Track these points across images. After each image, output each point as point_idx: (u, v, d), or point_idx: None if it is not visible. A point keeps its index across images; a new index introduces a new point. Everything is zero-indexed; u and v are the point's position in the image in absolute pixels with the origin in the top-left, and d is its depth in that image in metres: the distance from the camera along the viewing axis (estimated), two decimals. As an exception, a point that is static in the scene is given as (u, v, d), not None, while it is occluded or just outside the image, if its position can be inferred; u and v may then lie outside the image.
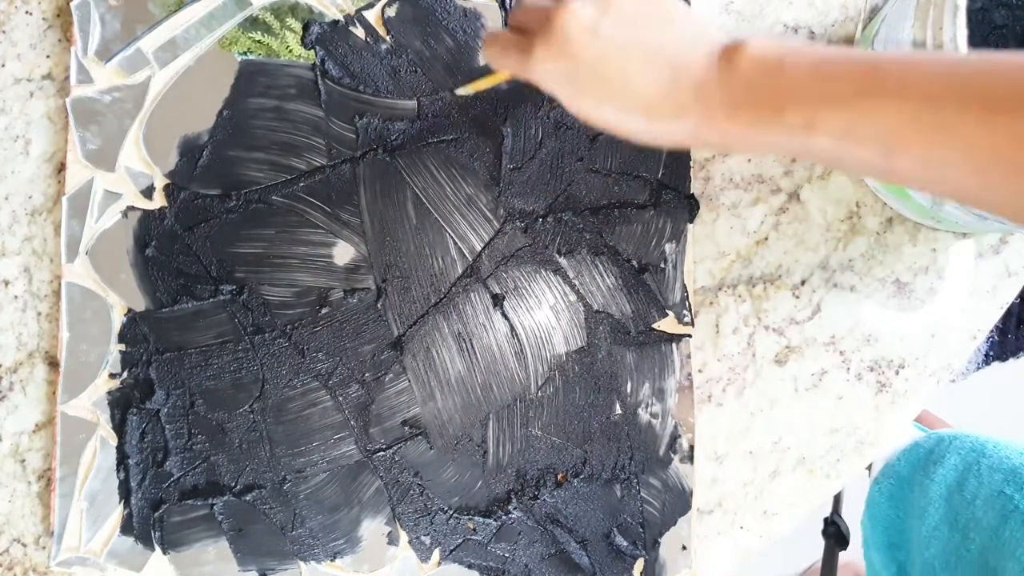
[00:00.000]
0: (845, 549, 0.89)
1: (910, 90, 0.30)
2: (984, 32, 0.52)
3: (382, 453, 0.55)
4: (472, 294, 0.55)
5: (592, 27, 0.36)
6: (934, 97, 0.30)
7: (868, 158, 0.32)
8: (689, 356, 0.55)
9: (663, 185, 0.55)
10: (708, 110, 0.36)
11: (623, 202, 0.55)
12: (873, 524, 0.73)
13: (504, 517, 0.55)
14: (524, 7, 0.41)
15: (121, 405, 0.55)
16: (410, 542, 0.55)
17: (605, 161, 0.55)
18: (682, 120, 0.36)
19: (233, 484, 0.55)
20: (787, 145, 0.34)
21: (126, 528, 0.55)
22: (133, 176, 0.55)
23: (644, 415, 0.55)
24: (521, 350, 0.55)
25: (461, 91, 0.50)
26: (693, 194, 0.55)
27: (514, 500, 0.55)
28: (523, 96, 0.54)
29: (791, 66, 0.34)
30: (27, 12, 0.56)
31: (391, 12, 0.55)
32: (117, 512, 0.55)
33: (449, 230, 0.55)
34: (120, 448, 0.55)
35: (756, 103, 0.34)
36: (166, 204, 0.54)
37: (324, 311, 0.54)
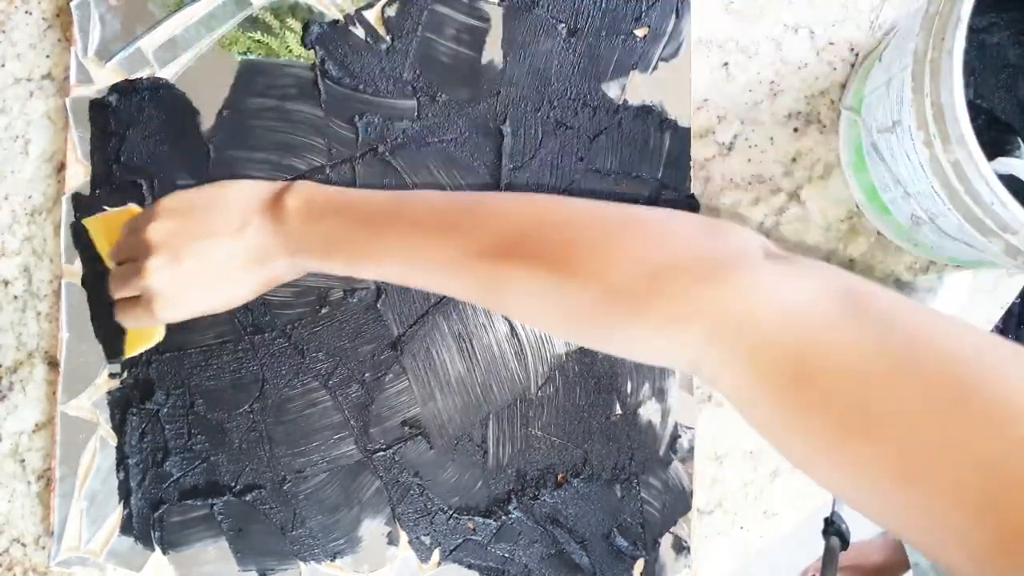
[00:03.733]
0: (845, 549, 0.89)
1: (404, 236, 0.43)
2: (996, 68, 0.52)
3: (382, 453, 0.55)
4: (472, 294, 0.55)
5: (170, 265, 0.46)
6: (417, 233, 0.42)
7: (391, 277, 0.44)
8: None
9: (663, 185, 0.55)
10: (283, 257, 0.46)
11: (623, 202, 0.55)
12: None
13: (504, 517, 0.55)
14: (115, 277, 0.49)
15: (121, 405, 0.55)
16: (410, 542, 0.55)
17: (605, 161, 0.55)
18: (274, 264, 0.46)
19: (233, 484, 0.55)
20: (341, 271, 0.45)
21: (126, 528, 0.55)
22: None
23: (644, 415, 0.55)
24: (521, 350, 0.55)
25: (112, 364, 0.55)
26: (693, 194, 0.55)
27: (514, 500, 0.55)
28: (523, 96, 0.54)
29: (323, 217, 0.45)
30: (27, 12, 0.56)
31: (391, 12, 0.55)
32: (117, 512, 0.55)
33: (449, 230, 0.55)
34: (120, 448, 0.55)
35: (309, 251, 0.45)
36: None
37: (324, 311, 0.54)
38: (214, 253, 0.45)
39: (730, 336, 0.33)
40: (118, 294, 0.48)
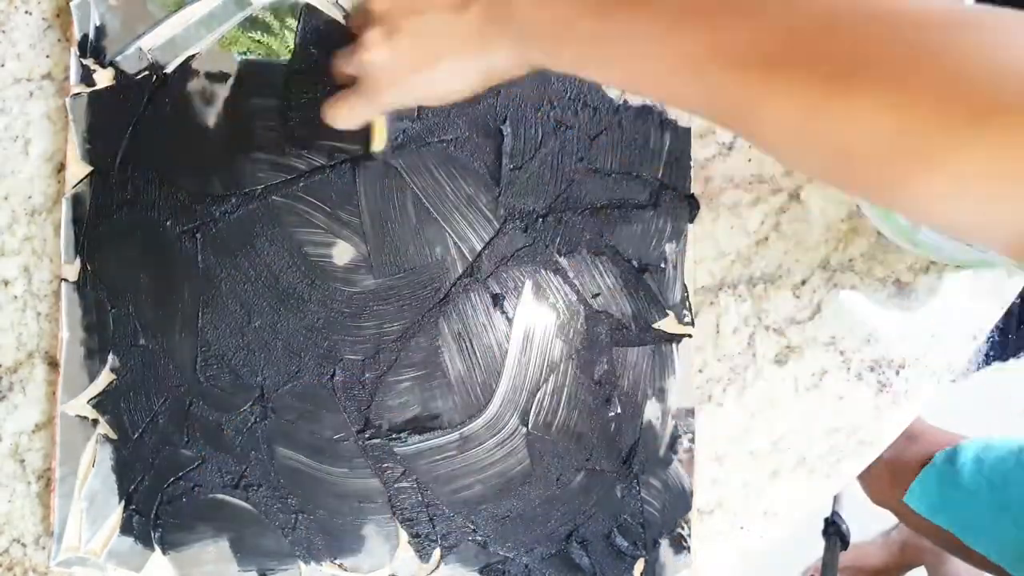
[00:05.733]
0: (845, 549, 0.89)
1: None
2: None
3: (382, 453, 0.55)
4: (472, 294, 0.55)
5: (386, 38, 0.41)
6: (660, 21, 0.33)
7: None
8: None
9: (663, 185, 0.55)
10: (506, 44, 0.39)
11: (623, 202, 0.55)
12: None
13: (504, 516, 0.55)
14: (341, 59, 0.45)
15: (121, 405, 0.55)
16: (410, 542, 0.55)
17: (605, 161, 0.55)
18: (496, 51, 0.40)
19: (233, 484, 0.55)
20: (569, 67, 0.38)
21: (126, 528, 0.55)
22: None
23: (644, 415, 0.55)
24: (521, 350, 0.55)
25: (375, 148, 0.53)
26: (693, 194, 0.55)
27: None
28: (523, 96, 0.54)
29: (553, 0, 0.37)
30: (27, 12, 0.56)
31: (391, 12, 0.55)
32: (117, 512, 0.55)
33: (449, 230, 0.55)
34: (120, 448, 0.55)
35: (535, 39, 0.38)
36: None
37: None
38: (431, 28, 0.40)
39: None
40: (337, 70, 0.45)
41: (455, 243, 0.55)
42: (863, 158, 0.27)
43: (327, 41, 0.54)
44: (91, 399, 0.54)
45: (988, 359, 0.98)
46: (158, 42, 0.54)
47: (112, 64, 0.54)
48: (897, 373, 0.56)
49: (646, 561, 0.55)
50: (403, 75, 0.42)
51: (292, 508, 0.55)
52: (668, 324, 0.55)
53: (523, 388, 0.55)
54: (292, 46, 0.54)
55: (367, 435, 0.55)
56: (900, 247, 0.56)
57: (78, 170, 0.55)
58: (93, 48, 0.54)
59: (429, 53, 0.41)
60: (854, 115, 0.27)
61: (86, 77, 0.54)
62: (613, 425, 0.55)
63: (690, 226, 0.55)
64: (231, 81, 0.54)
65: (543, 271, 0.55)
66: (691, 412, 0.55)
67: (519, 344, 0.55)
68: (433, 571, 0.55)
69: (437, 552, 0.55)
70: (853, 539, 0.90)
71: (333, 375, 0.55)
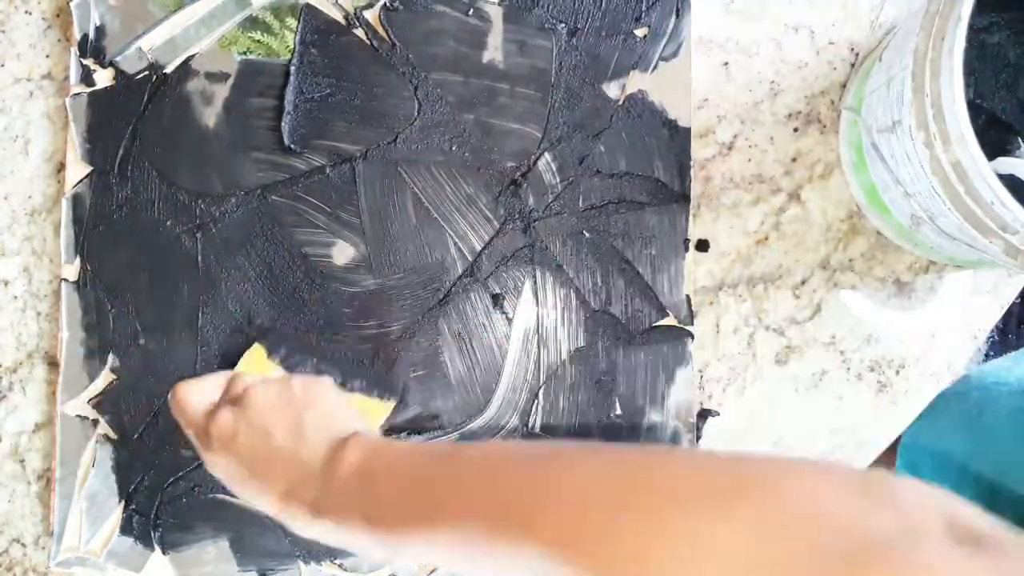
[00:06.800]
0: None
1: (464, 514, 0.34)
2: (996, 68, 0.52)
3: (382, 453, 0.55)
4: (472, 294, 0.55)
5: (232, 433, 0.41)
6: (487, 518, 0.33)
7: (455, 561, 0.36)
8: (691, 355, 0.55)
9: (663, 185, 0.55)
10: (313, 506, 0.38)
11: (623, 201, 0.55)
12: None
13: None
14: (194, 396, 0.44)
15: (120, 404, 0.55)
16: (410, 542, 0.55)
17: (606, 161, 0.55)
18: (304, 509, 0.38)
19: (233, 484, 0.55)
20: (381, 549, 0.37)
21: (126, 528, 0.55)
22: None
23: (644, 416, 0.55)
24: (521, 350, 0.55)
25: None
26: (686, 193, 0.55)
27: (514, 500, 0.55)
28: (524, 95, 0.54)
29: (384, 479, 0.37)
30: (27, 12, 0.56)
31: (391, 11, 0.54)
32: (117, 512, 0.55)
33: (449, 230, 0.55)
34: (119, 448, 0.55)
35: (346, 509, 0.37)
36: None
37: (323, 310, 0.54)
38: (251, 491, 0.41)
39: None
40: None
41: (455, 243, 0.55)
42: None
43: (327, 41, 0.54)
44: (91, 399, 0.54)
45: (988, 359, 0.98)
46: (158, 42, 0.54)
47: (112, 64, 0.54)
48: (897, 373, 0.56)
49: (646, 561, 0.55)
50: (235, 455, 0.41)
51: (292, 508, 0.55)
52: (668, 324, 0.55)
53: (523, 388, 0.55)
54: (292, 46, 0.54)
55: (367, 435, 0.55)
56: (900, 247, 0.56)
57: (78, 170, 0.55)
58: (93, 48, 0.54)
59: (277, 433, 0.41)
60: None
61: (86, 77, 0.54)
62: (613, 426, 0.55)
63: (690, 226, 0.55)
64: (231, 81, 0.54)
65: (543, 271, 0.55)
66: (692, 412, 0.55)
67: (519, 344, 0.55)
68: (433, 571, 0.55)
69: (437, 552, 0.55)
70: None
71: (333, 376, 0.54)
